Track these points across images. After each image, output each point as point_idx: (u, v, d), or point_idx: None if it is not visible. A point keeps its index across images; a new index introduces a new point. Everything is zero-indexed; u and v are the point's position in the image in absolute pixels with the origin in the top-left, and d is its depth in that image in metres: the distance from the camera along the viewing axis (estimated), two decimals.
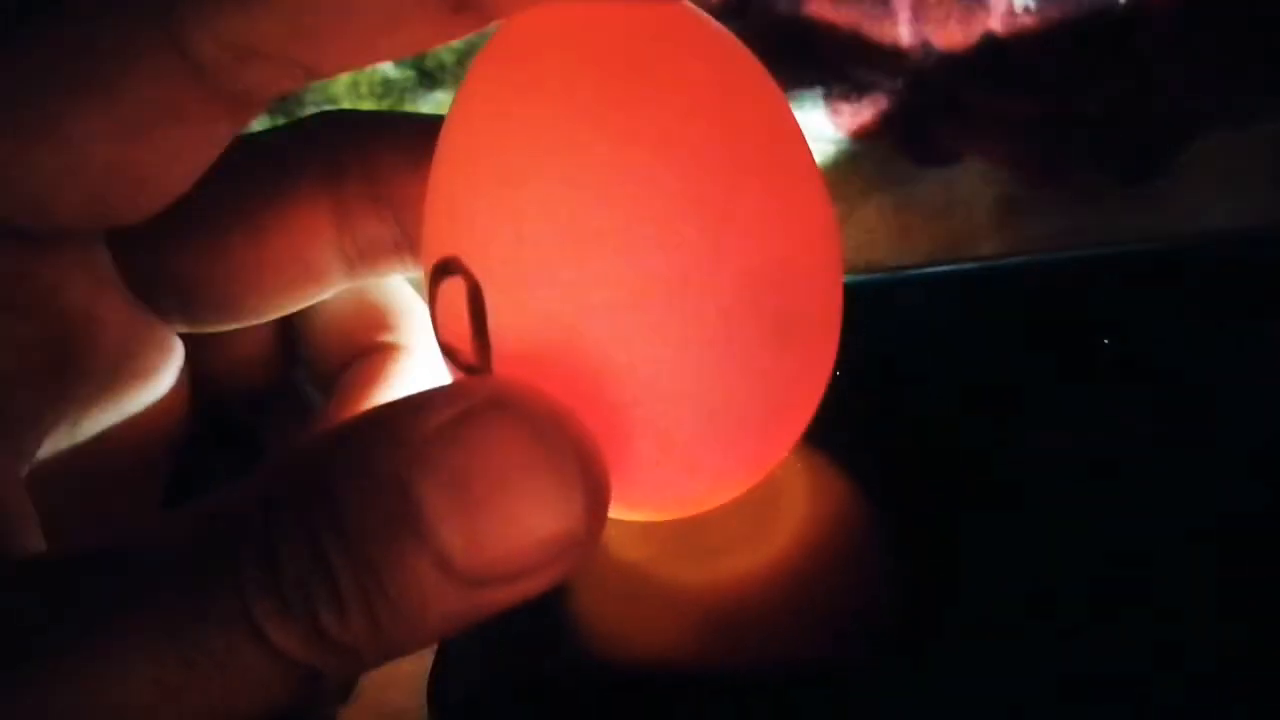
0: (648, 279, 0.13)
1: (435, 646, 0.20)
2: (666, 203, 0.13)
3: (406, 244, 0.19)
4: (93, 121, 0.14)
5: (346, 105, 0.40)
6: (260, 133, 0.19)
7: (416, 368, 0.20)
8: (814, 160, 0.16)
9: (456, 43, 0.38)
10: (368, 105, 0.40)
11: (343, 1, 0.13)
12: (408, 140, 0.18)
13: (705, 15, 0.15)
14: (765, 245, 0.14)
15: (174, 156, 0.15)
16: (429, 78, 0.40)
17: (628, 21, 0.14)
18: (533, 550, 0.13)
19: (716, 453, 0.15)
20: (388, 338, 0.20)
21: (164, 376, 0.18)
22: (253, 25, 0.13)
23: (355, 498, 0.12)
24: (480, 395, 0.13)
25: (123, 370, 0.17)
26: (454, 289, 0.14)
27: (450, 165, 0.15)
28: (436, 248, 0.15)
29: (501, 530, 0.12)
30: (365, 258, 0.19)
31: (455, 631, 0.13)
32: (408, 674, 0.20)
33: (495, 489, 0.12)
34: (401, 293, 0.21)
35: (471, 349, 0.14)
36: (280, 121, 0.41)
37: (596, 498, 0.13)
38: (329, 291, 0.19)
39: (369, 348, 0.20)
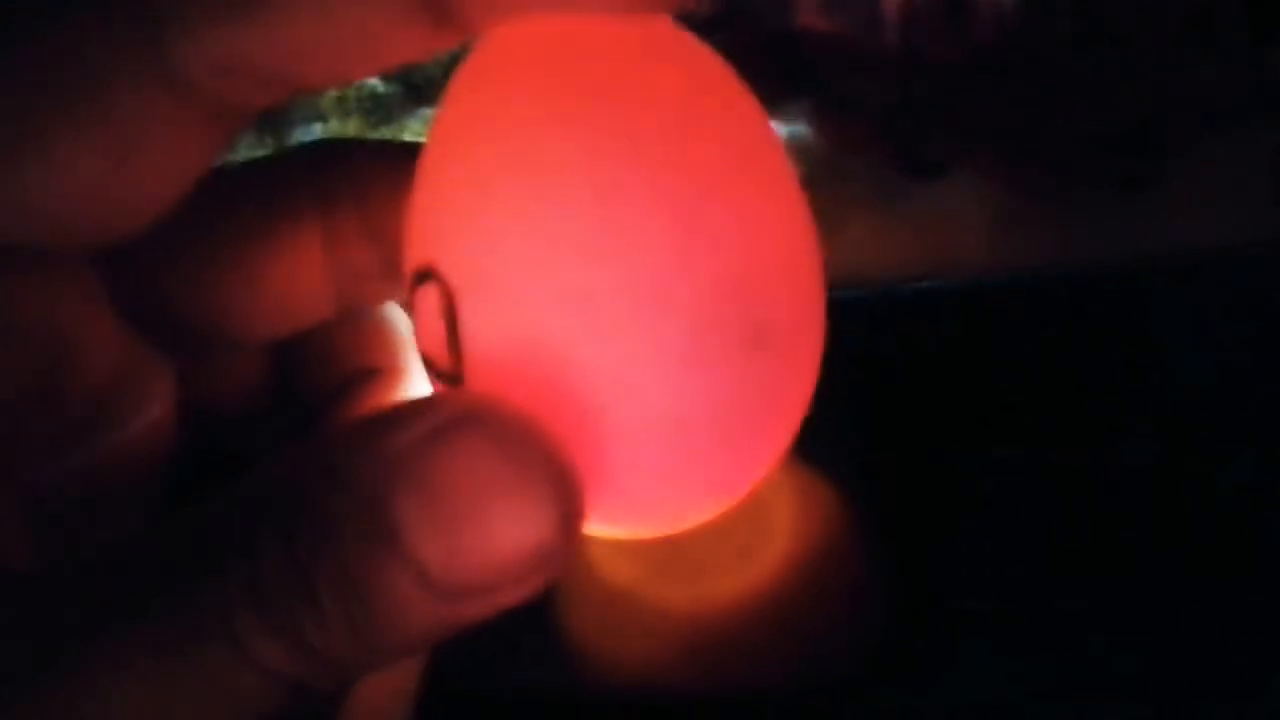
0: (616, 287, 0.13)
1: (424, 665, 0.20)
2: (635, 210, 0.13)
3: (398, 272, 0.19)
4: (80, 138, 0.14)
5: (334, 120, 0.40)
6: (251, 161, 0.19)
7: (409, 393, 0.20)
8: (792, 170, 0.16)
9: (444, 57, 0.38)
10: (355, 120, 0.40)
11: (326, 19, 0.13)
12: (398, 168, 0.18)
13: (682, 29, 0.15)
14: (737, 253, 0.14)
15: (161, 172, 0.15)
16: (417, 92, 0.40)
17: (604, 34, 0.14)
18: (508, 564, 0.13)
19: (690, 462, 0.15)
20: (380, 362, 0.20)
21: (154, 401, 0.18)
22: (237, 43, 0.13)
23: (333, 512, 0.12)
24: (453, 409, 0.13)
25: (112, 394, 0.17)
26: (430, 297, 0.14)
27: (429, 175, 0.15)
28: (415, 256, 0.15)
29: (476, 545, 0.13)
30: (356, 286, 0.19)
31: (438, 640, 0.13)
32: (397, 692, 0.20)
33: (469, 504, 0.13)
34: (394, 317, 0.21)
35: (446, 357, 0.14)
36: (269, 139, 0.41)
37: (570, 511, 0.13)
38: (320, 320, 0.19)
39: (362, 372, 0.20)
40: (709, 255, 0.14)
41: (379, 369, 0.20)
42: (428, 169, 0.15)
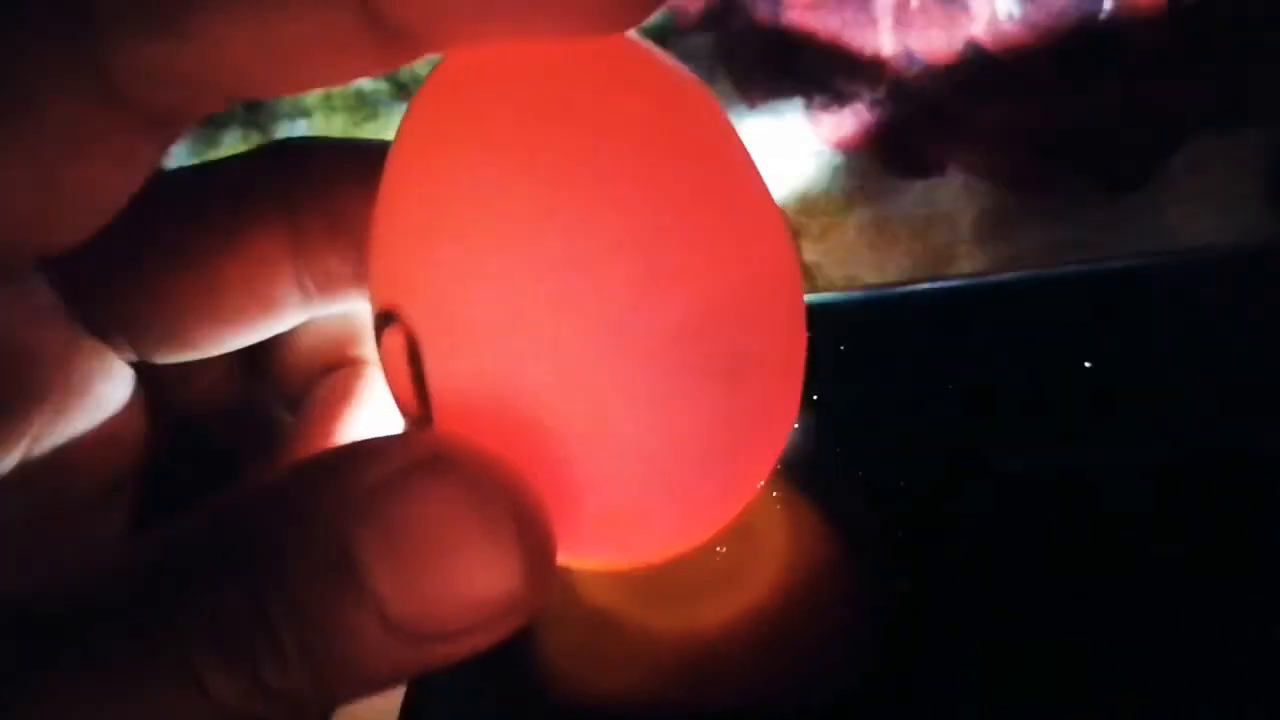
0: (583, 326, 0.13)
1: (405, 692, 0.20)
2: (598, 246, 0.13)
3: (364, 274, 0.18)
4: (11, 150, 0.13)
5: (319, 116, 0.40)
6: (214, 161, 0.18)
7: (376, 389, 0.20)
8: (769, 192, 0.15)
9: (431, 55, 0.38)
10: (340, 117, 0.40)
11: (260, 34, 0.13)
12: (364, 169, 0.18)
13: (650, 48, 0.14)
14: (709, 286, 0.13)
15: (98, 180, 0.14)
16: (403, 90, 0.40)
17: (566, 59, 0.13)
18: (475, 609, 0.13)
19: (668, 497, 0.14)
20: (354, 353, 0.20)
21: (113, 403, 0.17)
22: (172, 54, 0.13)
23: (296, 550, 0.12)
24: (421, 449, 0.13)
25: (68, 400, 0.16)
26: (394, 338, 0.14)
27: (386, 211, 0.14)
28: (378, 296, 0.14)
29: (439, 589, 0.12)
30: (323, 289, 0.19)
31: (401, 681, 0.13)
32: (379, 712, 0.20)
33: (432, 549, 0.12)
34: (360, 311, 0.21)
35: (414, 400, 0.14)
36: (254, 135, 0.41)
37: (538, 559, 0.13)
38: (286, 324, 0.19)
39: (336, 363, 0.20)
40: (678, 289, 0.13)
41: (355, 359, 0.20)
42: (385, 203, 0.14)
